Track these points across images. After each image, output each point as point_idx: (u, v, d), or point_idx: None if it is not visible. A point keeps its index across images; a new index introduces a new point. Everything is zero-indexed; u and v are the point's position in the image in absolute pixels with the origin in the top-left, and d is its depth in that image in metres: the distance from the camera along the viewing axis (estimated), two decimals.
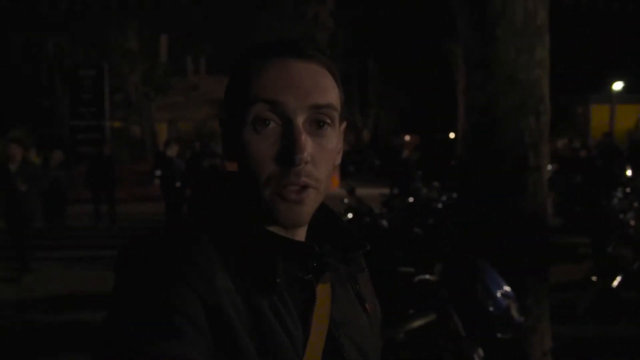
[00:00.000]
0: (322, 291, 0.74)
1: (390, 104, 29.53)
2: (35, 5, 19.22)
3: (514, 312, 2.57)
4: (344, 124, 0.79)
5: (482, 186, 3.13)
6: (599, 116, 22.01)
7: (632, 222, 5.16)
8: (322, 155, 0.71)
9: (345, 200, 6.79)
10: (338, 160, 0.77)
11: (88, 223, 10.18)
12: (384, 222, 5.64)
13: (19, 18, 19.71)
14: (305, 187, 0.69)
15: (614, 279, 4.85)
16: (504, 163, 3.07)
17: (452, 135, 22.54)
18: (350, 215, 6.24)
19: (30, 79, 21.67)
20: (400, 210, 6.68)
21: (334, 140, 0.73)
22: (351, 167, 23.61)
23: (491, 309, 2.53)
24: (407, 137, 33.37)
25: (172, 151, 8.93)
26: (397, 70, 26.32)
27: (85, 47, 20.09)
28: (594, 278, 4.91)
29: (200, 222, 0.72)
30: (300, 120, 0.69)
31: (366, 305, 0.82)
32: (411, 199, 7.45)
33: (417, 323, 2.63)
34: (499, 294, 2.56)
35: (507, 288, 2.63)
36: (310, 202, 0.70)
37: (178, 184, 8.44)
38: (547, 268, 3.19)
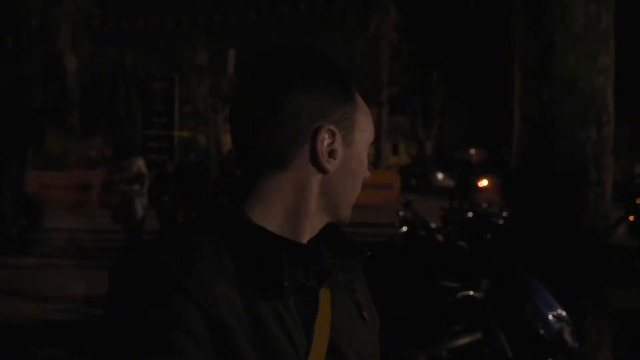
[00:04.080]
0: (324, 298, 0.74)
1: (454, 116, 28.85)
2: (118, 24, 20.59)
3: (568, 337, 2.39)
4: None
5: (537, 201, 2.96)
6: None
7: None
8: None
9: (401, 213, 6.66)
10: None
11: None
12: (440, 236, 5.48)
13: (101, 34, 21.20)
14: None
15: None
16: (562, 177, 2.89)
17: None
18: (404, 228, 6.11)
19: (109, 90, 23.21)
20: (457, 224, 6.47)
21: None
22: (413, 180, 23.24)
23: (542, 331, 2.37)
24: (472, 151, 32.31)
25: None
26: (462, 82, 25.71)
27: (158, 61, 21.25)
28: None
29: (201, 227, 0.71)
30: None
31: (364, 313, 0.81)
32: (470, 214, 7.21)
33: (462, 341, 2.51)
34: (550, 316, 2.40)
35: (560, 310, 2.46)
36: None
37: None
38: (608, 290, 2.96)
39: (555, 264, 2.87)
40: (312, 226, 0.76)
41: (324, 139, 0.72)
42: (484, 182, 14.51)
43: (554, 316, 2.42)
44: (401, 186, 16.65)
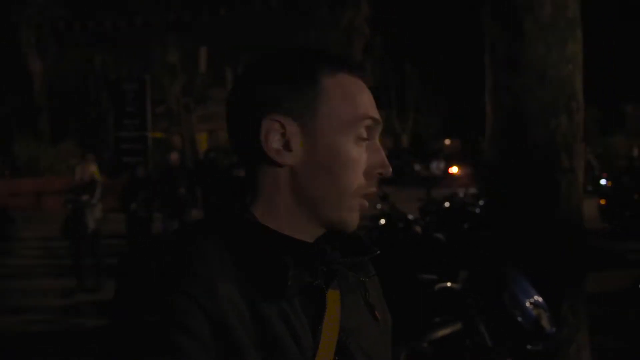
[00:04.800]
0: (332, 298, 0.72)
1: (429, 108, 29.12)
2: (84, 23, 20.13)
3: (545, 323, 2.42)
4: None
5: (511, 189, 2.99)
6: None
7: None
8: None
9: (379, 206, 6.69)
10: None
11: None
12: (418, 228, 5.51)
13: (68, 35, 20.70)
14: (372, 196, 0.74)
15: None
16: (534, 165, 2.92)
17: None
18: (383, 221, 6.13)
19: (79, 93, 22.69)
20: (434, 215, 6.52)
21: None
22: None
23: (520, 319, 2.40)
24: (447, 141, 32.67)
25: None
26: (436, 74, 25.94)
27: (128, 61, 20.85)
28: None
29: (205, 228, 0.71)
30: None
31: (376, 312, 0.80)
32: (447, 204, 7.28)
33: (442, 332, 2.52)
34: (527, 303, 2.43)
35: (537, 297, 2.49)
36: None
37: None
38: (584, 275, 3.01)
39: (531, 250, 2.91)
40: (299, 226, 0.72)
41: (269, 131, 0.70)
42: (453, 169, 14.69)
43: (531, 303, 2.45)
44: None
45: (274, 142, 0.70)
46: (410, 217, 5.87)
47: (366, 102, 0.74)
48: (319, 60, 0.73)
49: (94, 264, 6.31)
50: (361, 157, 0.72)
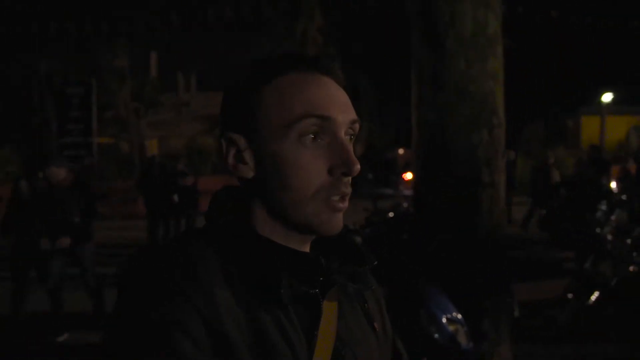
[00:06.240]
0: (329, 307, 0.73)
1: (383, 117, 29.51)
2: (27, 25, 19.27)
3: (462, 338, 2.42)
4: None
5: (434, 203, 3.00)
6: (589, 128, 22.05)
7: (609, 237, 5.01)
8: None
9: None
10: None
11: None
12: (358, 239, 5.50)
13: (10, 37, 19.76)
14: (345, 195, 0.72)
15: (591, 295, 4.69)
16: (456, 179, 2.94)
17: None
18: None
19: (22, 98, 21.69)
20: (377, 225, 6.53)
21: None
22: None
23: (436, 335, 2.38)
24: (401, 151, 33.20)
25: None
26: (391, 83, 26.34)
27: (75, 65, 20.14)
28: (569, 295, 4.75)
29: (204, 236, 0.72)
30: (343, 134, 0.72)
31: (375, 324, 0.81)
32: (391, 214, 7.31)
33: None
34: (444, 319, 2.42)
35: (455, 313, 2.48)
36: (345, 210, 0.73)
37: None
38: (506, 289, 3.04)
39: (453, 264, 2.92)
40: (282, 234, 0.73)
41: (226, 147, 0.73)
42: (408, 176, 14.95)
43: (447, 319, 2.44)
44: None
45: (231, 158, 0.73)
46: (351, 227, 5.85)
47: (311, 99, 0.70)
48: (262, 68, 0.73)
49: None
50: (310, 159, 0.70)
